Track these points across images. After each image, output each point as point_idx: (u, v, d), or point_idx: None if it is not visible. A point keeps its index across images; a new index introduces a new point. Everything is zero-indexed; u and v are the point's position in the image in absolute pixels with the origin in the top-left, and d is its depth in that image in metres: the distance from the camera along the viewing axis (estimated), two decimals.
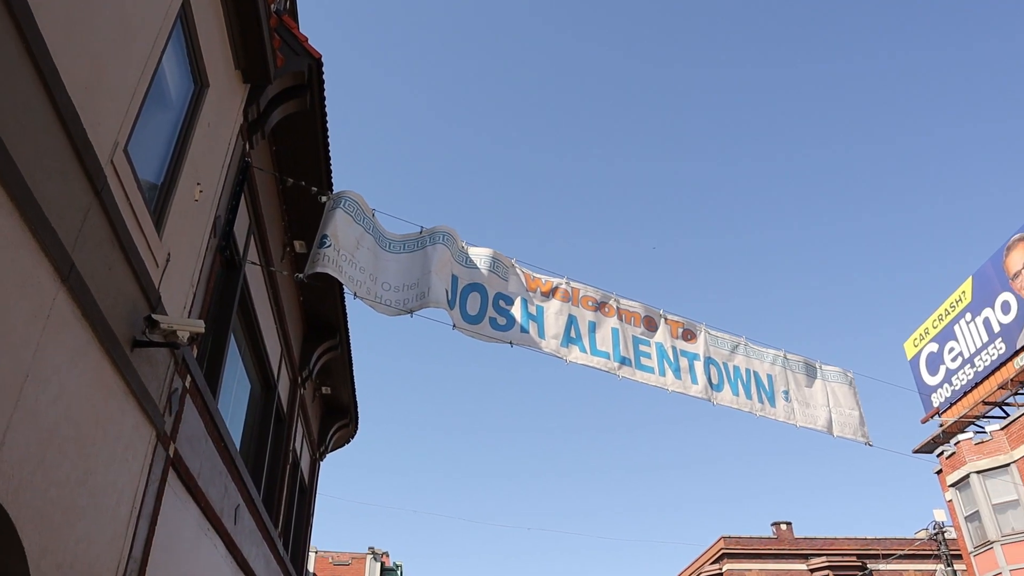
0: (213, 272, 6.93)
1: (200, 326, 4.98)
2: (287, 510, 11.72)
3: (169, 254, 5.62)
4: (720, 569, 51.07)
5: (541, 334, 8.30)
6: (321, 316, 11.61)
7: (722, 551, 51.04)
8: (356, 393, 13.78)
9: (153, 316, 5.11)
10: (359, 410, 14.44)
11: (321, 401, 14.01)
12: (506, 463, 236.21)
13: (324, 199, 7.93)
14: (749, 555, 51.15)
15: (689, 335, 9.45)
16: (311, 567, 39.95)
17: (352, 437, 14.96)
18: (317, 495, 14.54)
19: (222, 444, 7.33)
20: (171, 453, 5.88)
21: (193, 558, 6.79)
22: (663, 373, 8.96)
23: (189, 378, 6.20)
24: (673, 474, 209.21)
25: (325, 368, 12.62)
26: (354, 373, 12.99)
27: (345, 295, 10.88)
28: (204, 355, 7.26)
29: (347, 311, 11.53)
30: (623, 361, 8.68)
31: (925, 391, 31.50)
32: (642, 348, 8.94)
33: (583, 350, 8.53)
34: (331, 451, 14.95)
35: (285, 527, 11.70)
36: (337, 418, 14.37)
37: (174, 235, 5.79)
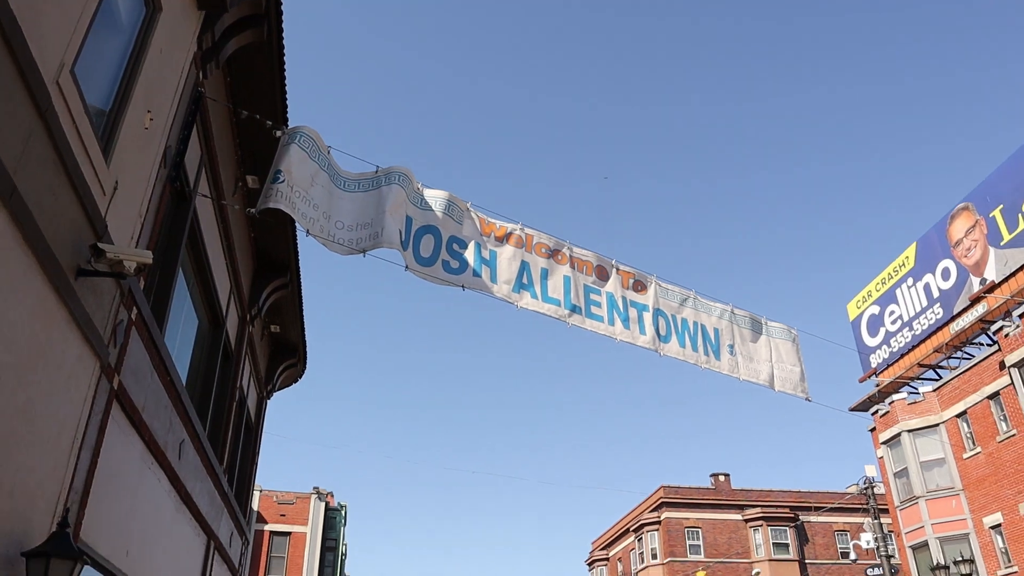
0: (162, 203, 6.78)
1: (147, 257, 4.89)
2: (232, 447, 11.69)
3: (117, 182, 5.48)
4: (659, 517, 52.54)
5: (493, 279, 8.31)
6: (272, 253, 11.47)
7: (661, 500, 52.45)
8: (305, 332, 13.71)
9: (99, 245, 4.99)
10: (308, 349, 14.38)
11: (270, 339, 13.91)
12: (452, 407, 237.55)
13: (279, 134, 7.76)
14: (687, 504, 52.64)
15: (640, 286, 9.55)
16: (255, 506, 40.10)
17: (300, 376, 14.92)
18: (263, 433, 14.53)
19: (168, 379, 7.25)
20: (115, 385, 5.81)
21: (136, 491, 6.76)
22: (612, 323, 9.07)
23: (135, 310, 6.09)
24: (616, 424, 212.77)
25: (275, 306, 12.51)
26: (304, 312, 12.90)
27: (297, 232, 10.75)
28: (151, 288, 7.13)
29: (299, 249, 11.40)
30: (573, 309, 8.75)
31: (864, 351, 32.44)
32: (593, 297, 9.02)
33: (534, 296, 8.57)
34: (279, 390, 14.91)
35: (230, 464, 11.69)
36: (285, 357, 14.30)
37: (122, 163, 5.63)
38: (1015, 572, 24.10)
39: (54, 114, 4.32)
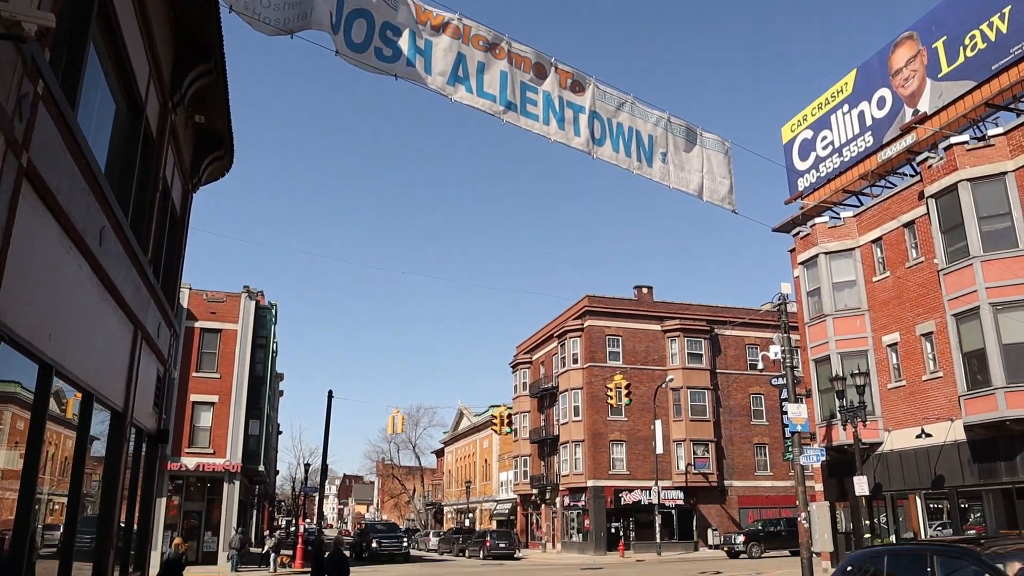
0: None
1: (50, 20, 4.48)
2: (157, 239, 11.47)
3: None
4: (582, 324, 54.65)
5: (428, 70, 7.97)
6: (195, 36, 10.74)
7: (585, 308, 54.39)
8: (231, 124, 13.17)
9: None
10: (235, 142, 13.88)
11: (194, 130, 13.35)
12: (384, 205, 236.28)
13: None
14: (610, 314, 54.76)
15: (578, 87, 9.33)
16: (186, 304, 40.18)
17: (227, 170, 14.48)
18: (189, 228, 14.27)
19: (83, 161, 6.92)
20: (24, 163, 5.51)
21: (55, 276, 6.62)
22: (547, 122, 8.91)
23: (42, 83, 5.69)
24: (545, 230, 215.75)
25: (199, 95, 11.90)
26: (230, 102, 12.33)
27: (221, 12, 10.03)
28: (59, 63, 6.64)
29: (223, 32, 10.70)
30: (509, 106, 8.53)
31: (794, 174, 33.07)
32: (529, 95, 8.78)
33: (469, 90, 8.30)
34: (205, 183, 14.51)
35: (155, 256, 11.51)
36: (211, 149, 13.80)
37: None
38: (903, 385, 26.14)
39: None
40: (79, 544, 8.93)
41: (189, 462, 38.54)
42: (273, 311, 46.51)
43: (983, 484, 23.11)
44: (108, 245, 7.98)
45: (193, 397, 39.55)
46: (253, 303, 42.08)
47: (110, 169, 8.75)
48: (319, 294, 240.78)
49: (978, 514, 24.06)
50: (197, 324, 40.44)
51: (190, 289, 40.94)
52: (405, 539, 49.76)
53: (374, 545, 46.43)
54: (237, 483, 39.41)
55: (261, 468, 43.70)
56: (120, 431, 9.66)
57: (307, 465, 61.99)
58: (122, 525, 10.92)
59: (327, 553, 17.45)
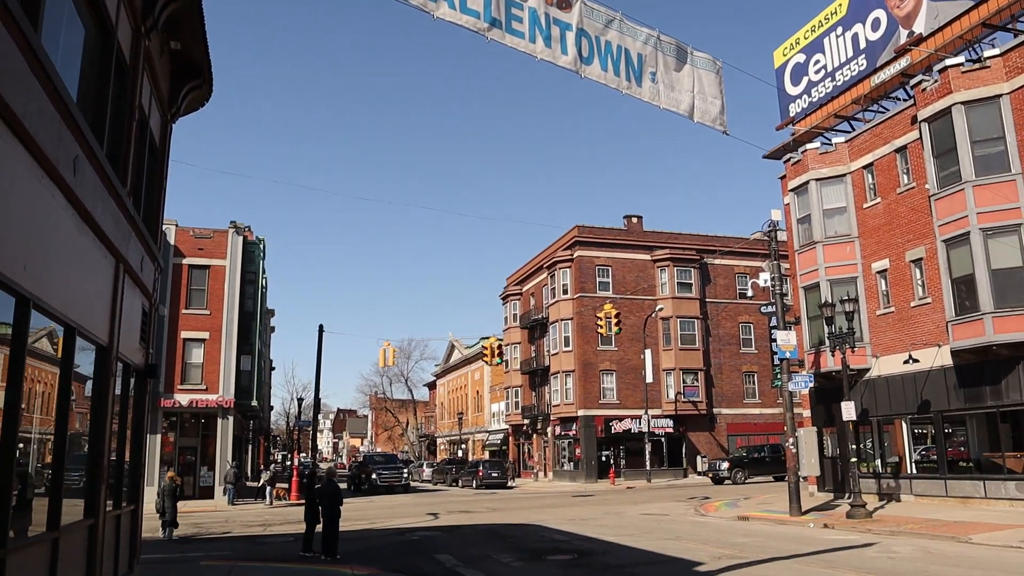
0: None
1: None
2: (136, 171, 11.18)
3: None
4: (572, 255, 54.55)
5: None
6: None
7: (575, 239, 54.22)
8: (209, 51, 12.73)
9: None
10: (213, 70, 13.46)
11: (171, 58, 12.91)
12: (370, 138, 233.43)
13: None
14: (600, 244, 54.63)
15: (564, 3, 8.98)
16: (172, 240, 39.81)
17: (206, 100, 14.06)
18: (172, 161, 13.94)
19: (51, 86, 6.63)
20: None
21: (27, 205, 6.39)
22: (533, 40, 8.59)
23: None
24: (534, 157, 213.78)
25: (173, 19, 11.45)
26: (205, 27, 11.88)
27: None
28: None
29: None
30: (493, 23, 8.20)
31: (785, 100, 32.59)
32: (514, 12, 8.44)
33: (452, 6, 7.94)
34: (184, 114, 14.10)
35: (135, 188, 11.23)
36: (189, 78, 13.37)
37: None
38: (892, 311, 26.24)
39: None
40: (73, 481, 8.91)
41: (182, 399, 38.71)
42: (261, 246, 46.18)
43: (968, 408, 23.41)
44: (83, 175, 7.73)
45: (184, 334, 39.51)
46: (241, 239, 41.73)
47: (82, 97, 8.43)
48: (307, 230, 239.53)
49: (961, 437, 24.45)
50: (185, 261, 40.15)
51: (176, 226, 40.53)
52: (405, 470, 49.77)
53: (373, 477, 46.43)
54: (231, 418, 39.68)
55: (254, 403, 43.94)
56: (106, 366, 9.54)
57: (300, 400, 62.42)
58: (113, 460, 10.91)
59: (319, 485, 17.61)
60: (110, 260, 9.48)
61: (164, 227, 39.55)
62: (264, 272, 49.28)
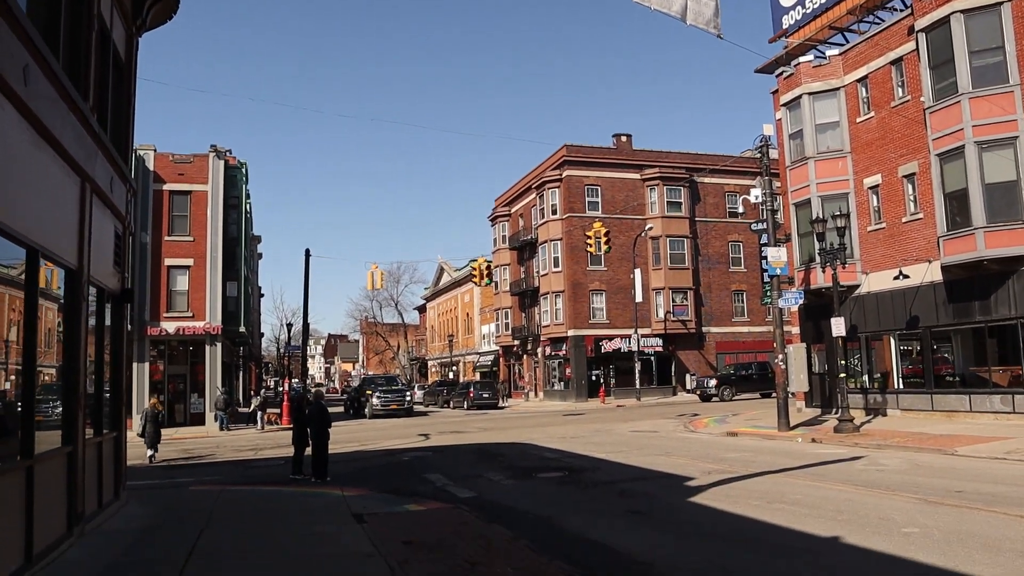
0: None
1: None
2: (100, 87, 10.61)
3: None
4: (560, 175, 53.89)
5: None
6: None
7: (564, 158, 53.46)
8: None
9: None
10: None
11: None
12: (355, 50, 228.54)
13: None
14: (589, 163, 53.92)
15: None
16: (151, 166, 38.94)
17: (173, 12, 13.32)
18: (142, 79, 13.30)
19: None
20: None
21: None
22: None
23: None
24: (521, 72, 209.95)
25: None
26: None
27: None
28: None
29: None
30: None
31: (778, 11, 31.62)
32: None
33: None
34: (149, 28, 13.40)
35: (101, 105, 10.67)
36: None
37: None
38: (883, 227, 26.02)
39: None
40: (50, 409, 8.67)
41: (169, 326, 38.45)
42: (243, 170, 45.25)
43: (956, 324, 23.40)
44: (36, 86, 7.24)
45: (168, 261, 39.00)
46: (222, 163, 40.84)
47: (31, 4, 7.86)
48: (290, 152, 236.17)
49: (948, 353, 24.53)
50: (166, 187, 39.34)
51: (155, 152, 39.61)
52: (408, 394, 46.75)
53: (374, 401, 43.91)
54: (219, 345, 39.53)
55: (243, 330, 43.74)
56: (76, 290, 9.20)
57: (289, 325, 62.45)
58: (94, 387, 10.67)
59: (308, 409, 17.50)
60: (74, 179, 9.04)
61: (142, 153, 38.75)
62: (248, 197, 48.43)
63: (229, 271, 41.12)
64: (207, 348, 38.98)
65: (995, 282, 21.95)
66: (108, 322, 11.49)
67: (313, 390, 23.89)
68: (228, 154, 42.19)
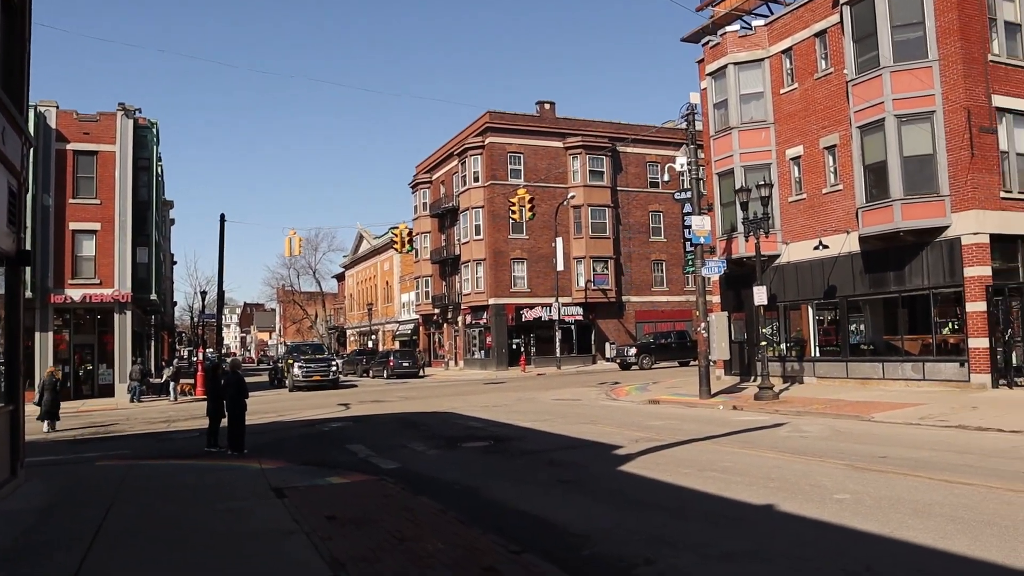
0: None
1: None
2: None
3: None
4: (483, 142, 53.28)
5: None
6: None
7: (487, 125, 52.84)
8: None
9: None
10: None
11: None
12: (271, 3, 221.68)
13: None
14: (512, 130, 53.42)
15: None
16: (53, 124, 36.76)
17: None
18: (32, 20, 12.21)
19: None
20: None
21: None
22: None
23: None
24: (447, 39, 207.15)
25: None
26: None
27: None
28: None
29: None
30: None
31: None
32: None
33: None
34: None
35: None
36: None
37: None
38: (804, 198, 26.44)
39: None
40: None
41: (74, 294, 36.59)
42: (154, 130, 43.11)
43: (872, 293, 24.00)
44: None
45: (72, 225, 37.02)
46: (131, 122, 38.85)
47: None
48: (203, 112, 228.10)
49: (862, 323, 25.17)
50: (69, 147, 37.24)
51: (57, 108, 37.40)
52: (335, 364, 43.16)
53: (296, 372, 40.11)
54: (129, 313, 37.84)
55: (154, 297, 41.94)
56: None
57: (204, 293, 60.36)
58: None
59: (223, 379, 16.74)
60: None
61: (43, 109, 36.52)
62: (159, 160, 46.26)
63: (139, 236, 39.31)
64: (116, 317, 37.30)
65: (910, 253, 22.54)
66: (2, 287, 10.59)
67: (229, 360, 22.98)
68: (138, 113, 40.13)
